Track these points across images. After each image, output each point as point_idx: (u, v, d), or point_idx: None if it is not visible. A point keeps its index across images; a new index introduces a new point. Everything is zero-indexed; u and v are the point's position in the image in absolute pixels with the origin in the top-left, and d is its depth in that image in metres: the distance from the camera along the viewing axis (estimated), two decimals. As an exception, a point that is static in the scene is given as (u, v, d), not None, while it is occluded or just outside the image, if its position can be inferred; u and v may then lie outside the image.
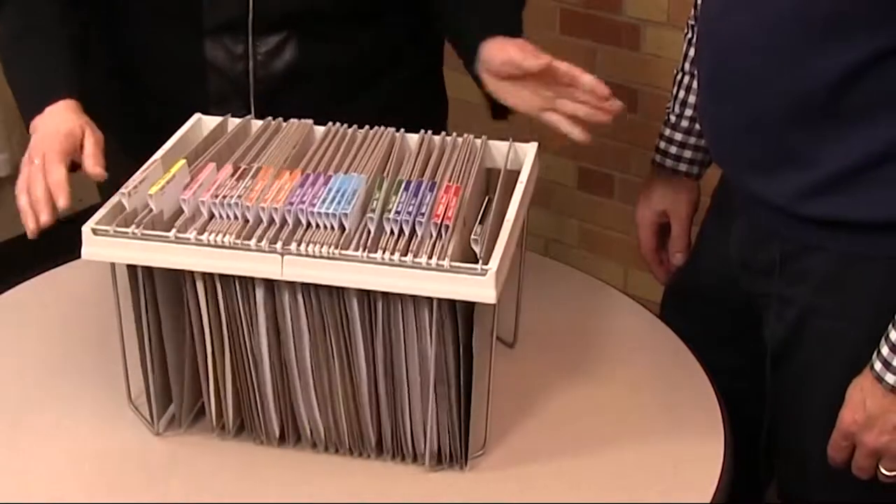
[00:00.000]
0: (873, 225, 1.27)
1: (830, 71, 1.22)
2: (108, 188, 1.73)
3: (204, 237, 1.15)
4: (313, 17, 1.52)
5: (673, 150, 1.57)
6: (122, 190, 1.21)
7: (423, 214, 1.16)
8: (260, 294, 1.17)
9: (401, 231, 1.16)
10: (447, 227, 1.15)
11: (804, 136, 1.27)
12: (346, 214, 1.16)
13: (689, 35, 1.55)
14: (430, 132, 1.37)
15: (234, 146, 1.33)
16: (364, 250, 1.12)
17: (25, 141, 1.34)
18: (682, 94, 1.56)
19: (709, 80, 1.38)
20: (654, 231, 1.62)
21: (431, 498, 1.20)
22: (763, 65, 1.27)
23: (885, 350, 1.24)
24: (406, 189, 1.21)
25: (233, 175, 1.25)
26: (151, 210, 1.20)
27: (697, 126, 1.52)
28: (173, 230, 1.16)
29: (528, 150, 1.33)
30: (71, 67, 1.42)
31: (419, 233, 1.16)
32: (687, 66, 1.55)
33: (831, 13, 1.21)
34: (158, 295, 1.21)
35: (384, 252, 1.12)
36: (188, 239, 1.15)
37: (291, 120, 1.39)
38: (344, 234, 1.16)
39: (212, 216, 1.20)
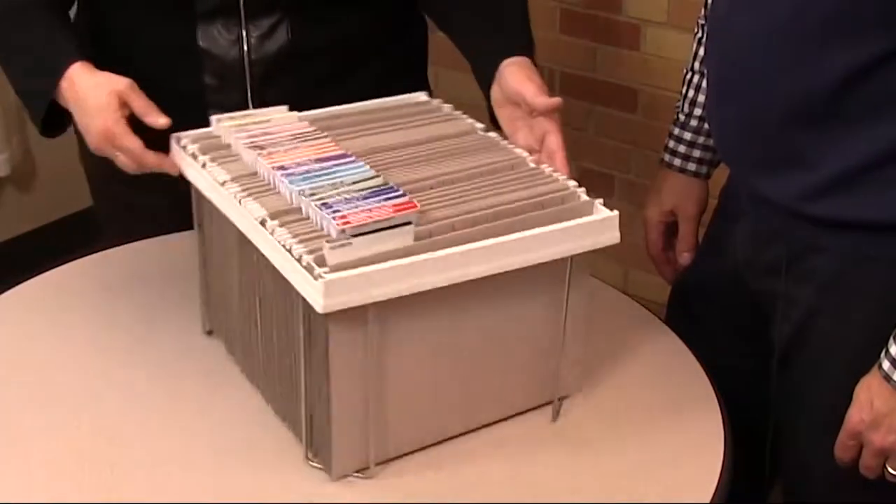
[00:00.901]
0: (878, 225, 1.27)
1: (833, 71, 1.22)
2: (99, 180, 1.75)
3: (210, 167, 1.28)
4: (298, 4, 1.54)
5: (682, 149, 1.57)
6: (219, 116, 1.35)
7: (336, 213, 1.15)
8: (233, 238, 1.26)
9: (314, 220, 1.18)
10: (341, 231, 1.13)
11: (808, 137, 1.27)
12: (294, 190, 1.20)
13: (700, 34, 1.55)
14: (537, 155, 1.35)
15: (372, 120, 1.40)
16: (278, 224, 1.17)
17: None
18: (691, 93, 1.56)
19: (715, 80, 1.39)
20: (662, 230, 1.62)
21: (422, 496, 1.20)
22: (766, 65, 1.27)
23: (893, 349, 1.24)
24: (369, 189, 1.20)
25: (295, 134, 1.32)
26: (217, 137, 1.34)
27: (707, 126, 1.52)
28: (204, 156, 1.29)
29: (599, 213, 1.23)
30: (73, 33, 1.45)
31: (324, 227, 1.16)
32: (697, 65, 1.55)
33: (834, 14, 1.21)
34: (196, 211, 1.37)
35: (282, 227, 1.16)
36: (202, 164, 1.29)
37: (462, 116, 1.42)
38: (282, 206, 1.20)
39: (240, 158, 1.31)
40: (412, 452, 1.24)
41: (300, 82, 1.55)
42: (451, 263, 1.14)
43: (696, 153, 1.56)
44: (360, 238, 1.11)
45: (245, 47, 1.54)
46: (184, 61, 1.54)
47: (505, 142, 1.37)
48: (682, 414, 1.33)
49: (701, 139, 1.56)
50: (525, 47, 1.43)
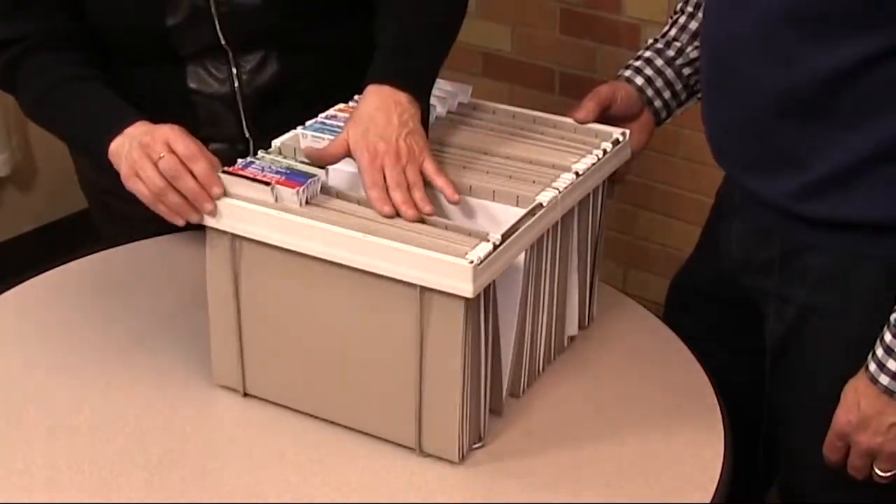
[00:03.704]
0: (870, 224, 1.28)
1: (822, 71, 1.23)
2: (92, 195, 1.74)
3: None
4: (281, 34, 1.53)
5: (643, 69, 1.51)
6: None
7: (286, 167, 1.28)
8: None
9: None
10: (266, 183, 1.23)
11: (799, 136, 1.28)
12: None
13: (678, 16, 1.53)
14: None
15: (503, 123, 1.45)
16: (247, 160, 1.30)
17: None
18: (673, 31, 1.52)
19: (708, 79, 1.39)
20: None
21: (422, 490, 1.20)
22: (756, 64, 1.28)
23: (879, 351, 1.24)
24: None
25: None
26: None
27: (679, 61, 1.50)
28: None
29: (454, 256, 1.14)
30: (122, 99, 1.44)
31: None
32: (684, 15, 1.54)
33: (822, 13, 1.21)
34: None
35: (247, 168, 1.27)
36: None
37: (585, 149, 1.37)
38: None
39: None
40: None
41: (294, 105, 1.52)
42: (300, 232, 1.19)
43: (656, 80, 1.50)
44: (228, 176, 1.25)
45: (237, 83, 1.55)
46: (175, 103, 1.53)
47: (540, 185, 1.29)
48: (682, 414, 1.33)
49: (669, 72, 1.50)
50: (392, 77, 1.35)
